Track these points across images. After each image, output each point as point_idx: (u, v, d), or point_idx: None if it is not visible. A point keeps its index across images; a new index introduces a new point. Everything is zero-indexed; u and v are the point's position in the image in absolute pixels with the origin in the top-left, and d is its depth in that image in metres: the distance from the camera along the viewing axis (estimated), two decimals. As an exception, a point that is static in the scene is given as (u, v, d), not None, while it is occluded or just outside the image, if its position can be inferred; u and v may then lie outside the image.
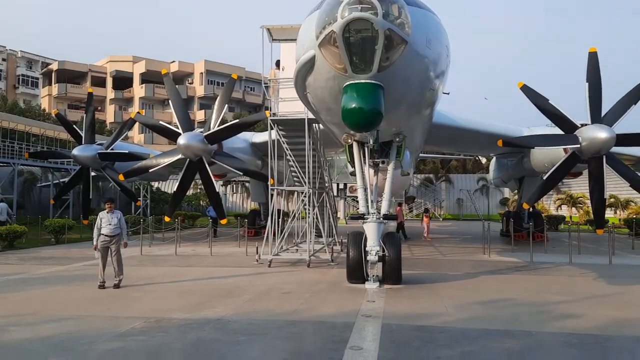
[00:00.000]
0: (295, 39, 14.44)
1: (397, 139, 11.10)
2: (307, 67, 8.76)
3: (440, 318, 8.24)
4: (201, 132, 16.32)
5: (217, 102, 17.07)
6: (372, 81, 8.05)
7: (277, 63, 15.44)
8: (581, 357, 6.26)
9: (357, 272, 11.05)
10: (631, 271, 14.26)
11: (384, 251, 10.80)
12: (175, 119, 16.83)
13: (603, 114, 12.98)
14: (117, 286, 10.88)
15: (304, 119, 14.55)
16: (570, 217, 44.23)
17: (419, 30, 7.97)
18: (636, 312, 8.91)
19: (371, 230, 10.71)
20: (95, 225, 11.03)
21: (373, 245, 10.58)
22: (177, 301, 9.49)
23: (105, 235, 10.98)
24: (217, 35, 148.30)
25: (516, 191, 32.03)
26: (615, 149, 12.98)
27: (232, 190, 54.40)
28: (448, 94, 11.72)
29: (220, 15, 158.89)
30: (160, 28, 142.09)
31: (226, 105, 17.15)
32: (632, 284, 11.93)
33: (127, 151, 21.64)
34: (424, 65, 8.57)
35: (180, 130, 16.25)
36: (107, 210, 11.14)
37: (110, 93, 73.48)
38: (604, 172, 12.83)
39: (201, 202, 52.15)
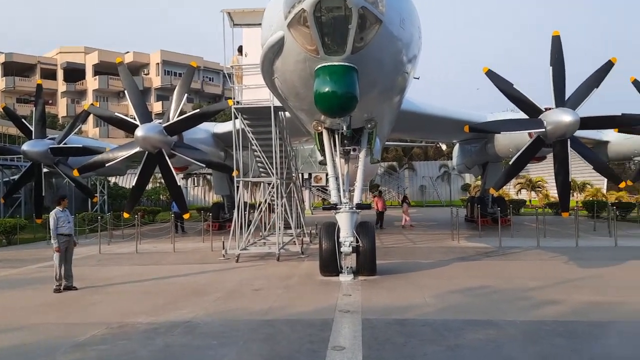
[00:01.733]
0: (258, 24, 13.80)
1: (369, 126, 10.71)
2: (275, 50, 8.21)
3: (420, 310, 7.95)
4: (160, 123, 15.52)
5: (175, 92, 16.27)
6: (346, 63, 7.60)
7: (240, 49, 14.80)
8: (568, 346, 6.05)
9: (330, 265, 10.67)
10: (597, 253, 14.43)
11: (357, 242, 10.45)
12: (132, 111, 15.95)
13: (567, 97, 13.04)
14: (70, 288, 10.20)
15: (270, 106, 13.99)
16: (530, 200, 45.30)
17: (393, 9, 7.54)
18: (613, 295, 8.88)
19: (344, 220, 10.33)
20: (52, 225, 10.13)
21: (347, 236, 10.20)
22: (141, 303, 8.86)
23: (66, 235, 10.24)
24: (173, 24, 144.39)
25: (479, 177, 32.49)
26: (577, 133, 13.07)
27: (193, 184, 53.18)
28: (418, 78, 11.37)
29: (175, 2, 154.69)
30: (113, 18, 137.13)
31: (185, 95, 16.39)
32: (602, 266, 12.01)
33: (81, 145, 20.55)
34: (398, 46, 8.16)
35: (137, 122, 15.40)
36: (61, 208, 10.36)
37: (61, 86, 70.42)
38: (568, 155, 12.90)
39: (161, 197, 50.76)
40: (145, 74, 69.82)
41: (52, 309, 8.68)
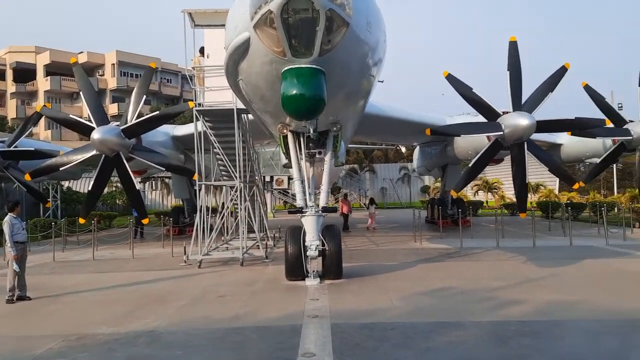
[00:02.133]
0: (221, 25, 13.68)
1: (335, 129, 10.67)
2: (240, 51, 8.04)
3: (387, 313, 7.95)
4: (118, 125, 15.03)
5: (134, 94, 15.76)
6: (314, 66, 7.52)
7: (202, 50, 14.50)
8: (534, 346, 6.16)
9: (296, 269, 10.55)
10: (554, 252, 14.87)
11: (323, 245, 10.38)
12: (86, 113, 15.40)
13: (523, 101, 13.38)
14: (23, 298, 9.72)
15: (233, 109, 13.76)
16: (487, 201, 46.48)
17: (360, 13, 7.53)
18: (571, 293, 9.14)
19: (310, 224, 10.24)
20: (7, 232, 9.56)
21: (313, 240, 10.12)
22: (101, 313, 8.49)
23: (22, 243, 9.77)
24: (129, 24, 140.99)
25: (439, 179, 33.05)
26: (533, 136, 13.43)
27: (151, 187, 51.92)
28: (382, 82, 11.41)
29: (131, 2, 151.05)
30: (66, 17, 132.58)
31: (144, 97, 15.94)
32: (559, 265, 12.36)
33: (32, 148, 19.74)
34: (365, 50, 8.15)
35: (93, 125, 14.85)
36: (14, 214, 9.89)
37: (10, 86, 67.46)
38: (525, 158, 13.22)
39: (117, 201, 49.35)
40: (100, 75, 67.79)
41: (5, 321, 8.23)
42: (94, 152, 14.78)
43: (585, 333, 6.80)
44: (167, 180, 48.94)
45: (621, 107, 43.19)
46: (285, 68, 7.63)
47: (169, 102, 70.66)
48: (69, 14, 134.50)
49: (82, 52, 67.36)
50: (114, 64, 66.95)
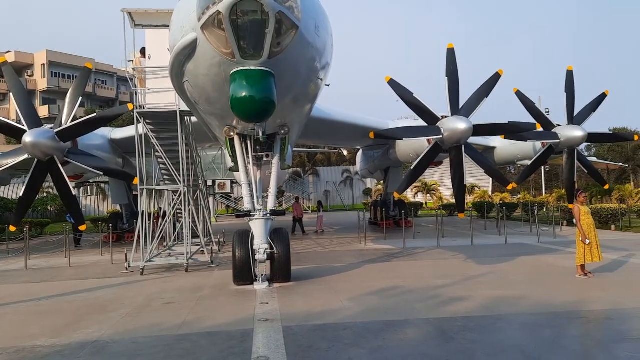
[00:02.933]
0: (162, 25, 13.39)
1: (282, 132, 10.67)
2: (186, 52, 7.87)
3: (339, 314, 8.02)
4: (51, 128, 14.31)
5: (69, 95, 15.07)
6: (263, 68, 7.48)
7: (143, 51, 14.08)
8: (480, 340, 6.41)
9: (244, 273, 10.44)
10: (491, 250, 15.57)
11: (272, 248, 10.34)
12: (14, 115, 14.56)
13: (461, 106, 13.90)
14: None
15: (176, 111, 13.45)
16: (426, 203, 47.91)
17: (309, 16, 7.57)
18: (509, 289, 9.58)
19: (258, 227, 10.17)
20: None
21: (261, 243, 10.06)
22: (39, 324, 8.04)
23: None
24: (60, 22, 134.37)
25: (381, 181, 33.74)
26: (469, 139, 13.98)
27: (86, 193, 49.71)
28: (329, 85, 11.54)
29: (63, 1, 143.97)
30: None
31: (80, 99, 15.26)
32: (497, 262, 12.95)
33: (-45, 152, 18.37)
34: (313, 53, 8.20)
35: (25, 127, 14.06)
36: None
37: None
38: (463, 160, 13.74)
39: (49, 207, 46.92)
40: (29, 76, 64.28)
41: None
42: (25, 156, 14.04)
43: (526, 326, 7.15)
44: (102, 185, 47.04)
45: (548, 112, 45.95)
46: (234, 70, 7.55)
47: (104, 105, 68.07)
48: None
49: (9, 52, 63.59)
50: (44, 64, 63.69)
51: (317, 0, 8.17)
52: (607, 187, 22.75)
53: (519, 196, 44.58)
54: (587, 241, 10.45)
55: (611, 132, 20.43)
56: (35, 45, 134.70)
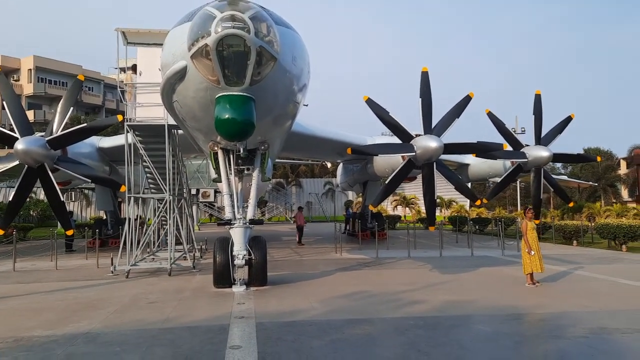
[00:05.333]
0: (153, 44, 14.35)
1: (262, 148, 11.64)
2: (177, 77, 8.86)
3: (307, 313, 8.96)
4: (42, 136, 15.04)
5: (60, 104, 15.80)
6: (245, 94, 8.48)
7: (134, 67, 14.96)
8: (428, 336, 7.40)
9: (224, 277, 11.31)
10: (457, 261, 16.62)
11: (250, 255, 11.23)
12: (4, 121, 15.26)
13: (433, 125, 14.93)
14: None
15: (164, 124, 14.34)
16: (405, 216, 49.05)
17: (286, 48, 8.61)
18: (464, 295, 10.63)
19: (238, 235, 11.07)
20: None
21: (240, 250, 10.95)
22: (33, 319, 8.83)
23: None
24: (48, 28, 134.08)
25: (361, 194, 34.77)
26: (442, 156, 15.02)
27: (70, 199, 49.89)
28: (307, 105, 12.55)
29: (51, 6, 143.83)
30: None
31: (71, 108, 16.03)
32: (459, 272, 14.01)
33: (-54, 157, 18.90)
34: (290, 80, 9.25)
35: (17, 134, 14.77)
36: None
37: None
38: (434, 176, 14.75)
39: (31, 212, 47.09)
40: (15, 80, 64.24)
41: None
42: (16, 163, 14.71)
43: (471, 324, 8.18)
44: (86, 191, 47.33)
45: (524, 130, 47.58)
46: (219, 94, 8.54)
47: (89, 111, 68.36)
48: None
49: (-6, 55, 63.75)
50: (30, 69, 63.82)
51: (295, 35, 9.23)
52: (571, 204, 23.95)
53: (494, 211, 45.96)
54: (532, 252, 11.56)
55: (575, 154, 21.45)
56: (20, 50, 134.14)
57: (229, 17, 7.89)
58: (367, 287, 11.56)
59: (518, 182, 45.03)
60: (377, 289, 11.31)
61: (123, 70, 18.24)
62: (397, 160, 16.83)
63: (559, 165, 62.66)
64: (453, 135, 15.40)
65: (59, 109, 15.71)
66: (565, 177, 38.99)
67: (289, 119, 11.50)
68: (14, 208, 15.66)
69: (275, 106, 9.79)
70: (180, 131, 15.35)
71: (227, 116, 8.39)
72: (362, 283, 12.28)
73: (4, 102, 15.92)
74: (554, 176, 29.23)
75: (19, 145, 14.17)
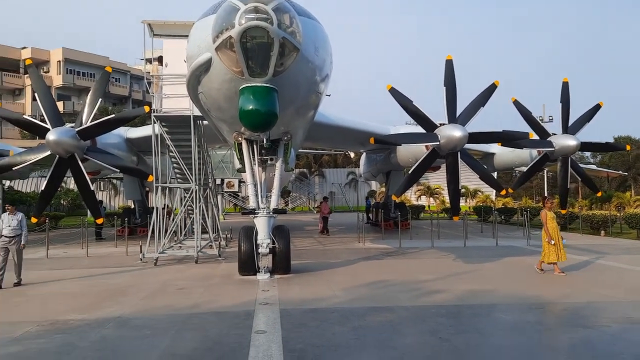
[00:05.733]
0: (179, 35, 14.58)
1: (285, 138, 11.80)
2: (202, 69, 9.05)
3: (330, 300, 9.12)
4: (72, 127, 15.47)
5: (89, 96, 16.20)
6: (268, 85, 8.62)
7: (160, 59, 15.25)
8: (449, 324, 7.48)
9: (248, 265, 11.56)
10: (481, 252, 16.56)
11: (274, 243, 11.44)
12: (30, 110, 15.76)
13: (458, 114, 14.83)
14: (17, 284, 11.17)
15: (190, 116, 14.61)
16: (429, 206, 48.78)
17: (309, 39, 8.71)
18: (486, 284, 10.63)
19: (262, 224, 11.28)
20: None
21: (264, 238, 11.17)
22: (67, 303, 9.20)
23: (5, 237, 11.15)
24: (76, 21, 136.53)
25: (384, 184, 34.76)
26: (467, 146, 14.92)
27: (99, 188, 51.08)
28: (329, 95, 12.64)
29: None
30: (7, 11, 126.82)
31: (100, 100, 16.42)
32: (482, 262, 13.98)
33: (-18, 148, 19.67)
34: (313, 70, 9.35)
35: (48, 125, 15.23)
36: (8, 213, 11.26)
37: (-54, 80, 64.53)
38: (458, 166, 14.68)
39: (62, 201, 48.41)
40: (45, 72, 65.81)
41: (-26, 312, 8.80)
42: (48, 153, 15.18)
43: (492, 313, 8.23)
44: (114, 181, 48.40)
45: (552, 119, 46.68)
46: (243, 86, 8.70)
47: (117, 102, 69.66)
48: (11, 8, 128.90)
49: (25, 48, 65.39)
50: (59, 61, 65.29)
51: (318, 25, 9.31)
52: (599, 194, 23.61)
53: (521, 201, 45.38)
54: (552, 242, 11.57)
55: (603, 143, 21.07)
56: (50, 42, 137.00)
57: (252, 9, 8.02)
58: (389, 276, 11.66)
59: (545, 171, 44.31)
60: (399, 278, 11.40)
61: (149, 61, 18.61)
62: (420, 150, 16.78)
63: (588, 154, 61.42)
64: (477, 124, 15.30)
65: (88, 101, 16.11)
66: (594, 166, 38.25)
67: (312, 109, 11.61)
68: (46, 197, 16.20)
69: (298, 97, 9.92)
70: (205, 122, 15.61)
71: (250, 107, 8.56)
72: (384, 272, 12.39)
73: (36, 94, 16.41)
74: (582, 165, 28.91)
75: (51, 136, 14.61)
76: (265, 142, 11.25)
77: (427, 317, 7.86)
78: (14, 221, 11.26)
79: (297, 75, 9.07)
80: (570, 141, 17.68)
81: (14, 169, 16.22)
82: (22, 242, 11.38)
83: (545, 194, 49.37)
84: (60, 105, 63.11)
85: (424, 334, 7.00)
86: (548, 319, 8.14)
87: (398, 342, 6.61)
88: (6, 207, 11.68)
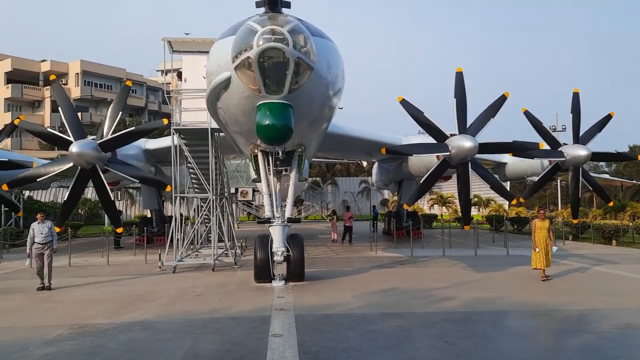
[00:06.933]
0: (197, 51, 15.17)
1: (299, 150, 12.27)
2: (222, 87, 9.59)
3: (343, 306, 9.51)
4: (93, 139, 16.06)
5: (110, 110, 16.83)
6: (284, 101, 9.12)
7: (179, 74, 15.85)
8: (456, 329, 7.83)
9: (264, 272, 11.99)
10: (492, 260, 16.81)
11: (288, 251, 11.85)
12: (47, 122, 16.39)
13: (468, 125, 15.12)
14: (48, 288, 12.04)
15: (208, 128, 15.15)
16: (442, 215, 48.83)
17: (322, 58, 9.21)
18: (496, 292, 10.95)
19: (277, 232, 11.72)
20: (29, 235, 12.37)
21: (279, 247, 11.60)
22: (93, 309, 9.71)
23: (38, 243, 12.17)
24: (93, 33, 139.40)
25: (396, 193, 35.06)
26: (478, 155, 15.20)
27: (116, 197, 52.02)
28: (342, 108, 13.08)
29: (95, 10, 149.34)
30: (28, 25, 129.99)
31: (120, 113, 17.03)
32: (492, 271, 14.27)
33: (6, 159, 20.37)
34: (326, 87, 9.85)
35: (70, 138, 15.82)
36: (38, 221, 12.20)
37: (-32, 93, 66.21)
38: (469, 176, 14.97)
39: (80, 211, 49.28)
40: (64, 84, 67.25)
41: (10, 315, 9.32)
42: (70, 165, 15.77)
43: (498, 319, 8.55)
44: (131, 190, 49.27)
45: (565, 128, 46.58)
46: (260, 102, 9.21)
47: (133, 113, 70.84)
48: (31, 22, 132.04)
49: (45, 61, 66.99)
50: (77, 73, 66.71)
51: (330, 44, 9.81)
52: (611, 204, 23.72)
53: (534, 211, 45.24)
54: (537, 249, 12.34)
55: (615, 152, 21.18)
56: (67, 54, 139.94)
57: (269, 31, 8.55)
58: (401, 284, 12.01)
59: (559, 181, 44.24)
60: (410, 286, 11.74)
61: (167, 72, 19.12)
62: (431, 160, 17.05)
63: (603, 163, 61.03)
64: (489, 133, 15.56)
65: (108, 114, 16.72)
66: (607, 176, 38.18)
67: (325, 122, 12.08)
68: (69, 207, 16.78)
69: (312, 111, 10.40)
70: (222, 134, 16.14)
71: (267, 122, 9.06)
72: (396, 280, 12.73)
73: (60, 108, 17.07)
74: (595, 175, 28.97)
75: (73, 148, 15.17)
76: (280, 154, 11.74)
77: (436, 322, 8.21)
78: (45, 229, 12.21)
79: (311, 92, 9.56)
80: (581, 151, 17.84)
81: (37, 180, 16.87)
82: (54, 247, 12.38)
83: (560, 203, 49.27)
84: (78, 116, 64.44)
85: (432, 337, 7.37)
86: (550, 324, 8.41)
87: (407, 346, 6.98)
88: (37, 216, 12.57)
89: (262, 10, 9.19)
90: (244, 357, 6.57)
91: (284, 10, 9.23)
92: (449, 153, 14.49)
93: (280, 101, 9.12)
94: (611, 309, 9.14)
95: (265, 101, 9.16)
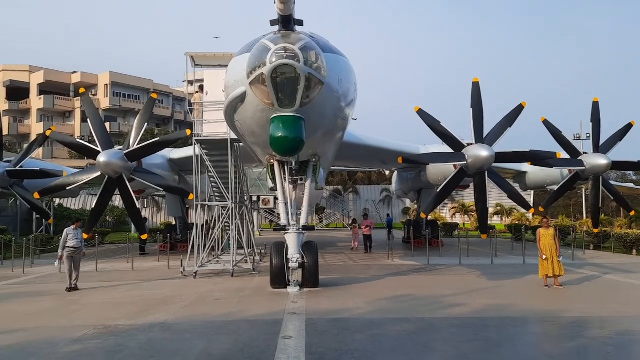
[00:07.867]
0: (218, 65, 15.80)
1: (314, 160, 12.73)
2: (238, 100, 10.13)
3: (353, 311, 9.86)
4: (120, 149, 16.77)
5: (136, 121, 17.51)
6: (295, 114, 9.59)
7: (201, 87, 16.49)
8: (460, 334, 8.09)
9: (279, 278, 12.41)
10: (508, 269, 16.89)
11: (303, 258, 12.26)
12: (79, 132, 17.18)
13: (485, 134, 15.27)
14: (75, 288, 13.20)
15: (228, 139, 15.72)
16: (463, 224, 48.62)
17: (333, 73, 9.65)
18: (506, 299, 11.13)
19: (292, 240, 12.15)
20: (62, 239, 13.54)
21: (294, 254, 12.02)
22: (117, 311, 10.28)
23: (72, 248, 13.45)
24: (122, 45, 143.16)
25: (416, 201, 35.18)
26: (496, 165, 15.33)
27: (143, 205, 53.31)
28: (356, 119, 13.47)
29: (125, 24, 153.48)
30: (61, 36, 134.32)
31: (146, 124, 17.73)
32: (507, 279, 14.40)
33: (38, 168, 21.31)
34: (337, 100, 10.29)
35: (99, 148, 16.55)
36: (74, 227, 13.41)
37: (3, 104, 68.81)
38: (486, 185, 15.10)
39: (107, 218, 50.62)
40: (93, 95, 69.40)
41: (38, 316, 9.95)
42: (98, 174, 16.52)
43: (503, 324, 8.78)
44: (156, 198, 50.45)
45: (589, 136, 46.04)
46: (274, 115, 9.70)
47: (160, 122, 72.53)
48: (63, 34, 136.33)
49: (75, 72, 69.27)
50: (106, 85, 68.76)
51: (341, 59, 10.25)
52: (632, 213, 23.48)
53: (557, 220, 44.72)
54: (544, 256, 12.55)
55: (636, 161, 20.96)
56: (97, 66, 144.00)
57: (282, 49, 9.05)
58: (413, 291, 12.27)
59: (584, 189, 43.63)
60: (422, 293, 12.00)
61: (191, 83, 19.81)
62: (449, 169, 17.17)
63: (630, 172, 59.86)
64: (508, 141, 15.65)
65: (135, 124, 17.42)
66: (631, 185, 37.46)
67: (338, 133, 12.50)
68: (96, 214, 17.54)
69: (323, 124, 10.83)
70: (241, 144, 16.70)
71: (280, 134, 9.56)
72: (409, 287, 13.00)
73: (89, 119, 17.89)
74: (617, 183, 28.59)
75: (101, 158, 15.91)
76: (294, 163, 12.21)
77: (442, 327, 8.50)
78: (79, 234, 13.47)
79: (322, 105, 10.01)
80: (601, 160, 17.83)
81: (67, 188, 17.69)
82: (84, 251, 13.73)
83: (584, 212, 48.51)
84: (107, 126, 66.28)
85: (435, 341, 7.67)
86: (553, 330, 8.61)
87: (410, 348, 7.29)
88: (74, 224, 13.88)
89: (276, 28, 9.72)
90: (254, 356, 6.98)
91: (297, 27, 9.75)
92: (465, 162, 14.67)
93: (292, 114, 9.59)
94: (617, 316, 9.28)
95: (278, 114, 9.65)
